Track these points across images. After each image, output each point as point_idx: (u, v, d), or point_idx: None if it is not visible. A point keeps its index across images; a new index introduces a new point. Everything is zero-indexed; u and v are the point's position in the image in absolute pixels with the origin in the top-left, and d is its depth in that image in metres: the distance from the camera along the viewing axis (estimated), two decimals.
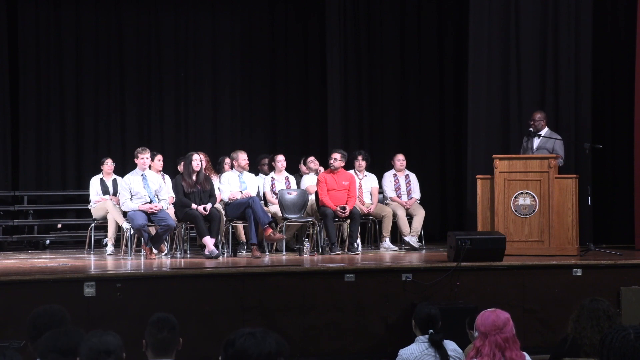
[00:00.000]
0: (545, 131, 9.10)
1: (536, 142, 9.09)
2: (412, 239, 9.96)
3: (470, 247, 7.71)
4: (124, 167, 10.99)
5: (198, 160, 9.22)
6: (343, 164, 9.74)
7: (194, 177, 9.17)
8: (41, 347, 3.34)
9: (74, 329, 3.48)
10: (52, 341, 3.35)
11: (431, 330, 4.90)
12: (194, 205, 9.00)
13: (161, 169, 9.82)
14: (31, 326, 3.83)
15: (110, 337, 3.19)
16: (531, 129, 9.14)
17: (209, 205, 9.01)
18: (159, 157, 9.84)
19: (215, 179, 9.75)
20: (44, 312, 3.91)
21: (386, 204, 10.26)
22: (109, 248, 9.74)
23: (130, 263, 8.66)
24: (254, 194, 9.49)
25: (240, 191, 9.47)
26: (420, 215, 10.12)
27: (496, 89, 10.15)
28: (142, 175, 9.05)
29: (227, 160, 10.46)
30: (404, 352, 4.89)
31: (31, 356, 3.55)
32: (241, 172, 9.63)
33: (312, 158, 10.75)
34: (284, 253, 9.52)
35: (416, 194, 10.41)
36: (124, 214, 9.20)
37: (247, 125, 12.81)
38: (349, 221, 9.67)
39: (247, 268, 7.86)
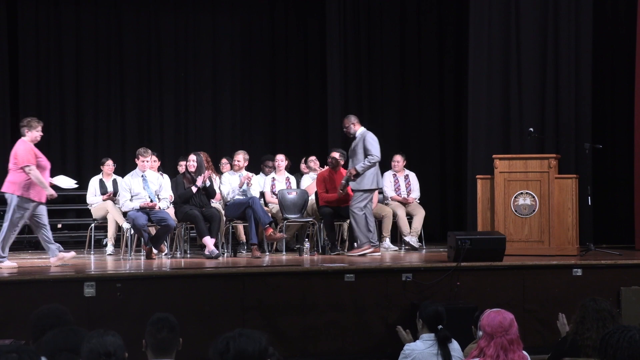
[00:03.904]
0: (360, 131, 8.93)
1: (353, 144, 8.99)
2: (412, 239, 9.96)
3: (470, 247, 7.71)
4: (124, 167, 10.99)
5: (192, 160, 9.23)
6: (342, 162, 9.74)
7: (193, 176, 9.19)
8: (49, 346, 3.33)
9: (80, 328, 3.47)
10: (61, 340, 3.35)
11: (440, 326, 4.93)
12: (194, 188, 9.01)
13: (155, 169, 9.81)
14: (35, 325, 3.82)
15: (110, 338, 3.18)
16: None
17: (206, 182, 9.02)
18: (154, 157, 9.84)
19: (215, 179, 9.74)
20: (49, 311, 3.90)
21: (386, 204, 10.26)
22: (109, 248, 9.75)
23: (130, 263, 8.66)
24: (254, 194, 9.49)
25: (241, 191, 9.47)
26: (420, 215, 10.12)
27: (496, 89, 10.15)
28: (142, 176, 9.06)
29: (224, 160, 10.48)
30: (408, 347, 4.95)
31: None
32: (240, 173, 9.62)
33: (313, 158, 10.76)
34: (284, 253, 9.52)
35: (416, 193, 10.41)
36: (124, 214, 9.20)
37: (247, 126, 12.82)
38: (348, 221, 9.67)
39: (247, 268, 7.86)
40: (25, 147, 7.81)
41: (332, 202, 9.46)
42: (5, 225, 7.84)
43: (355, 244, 9.49)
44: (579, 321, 4.52)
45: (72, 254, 8.12)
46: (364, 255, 8.74)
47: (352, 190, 8.89)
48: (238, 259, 9.06)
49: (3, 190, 7.95)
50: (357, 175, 8.81)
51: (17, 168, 7.77)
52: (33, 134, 7.88)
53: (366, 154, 8.79)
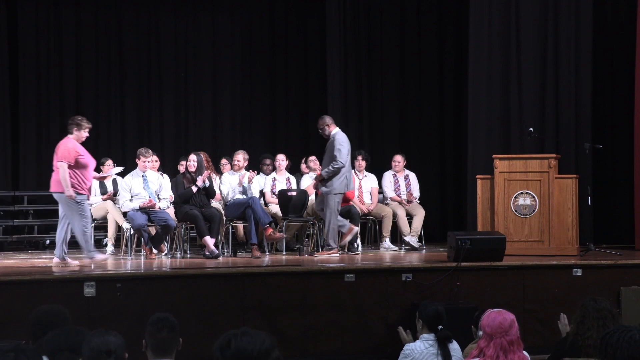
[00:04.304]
0: (334, 132, 8.84)
1: (327, 145, 8.91)
2: (412, 239, 9.95)
3: (470, 247, 7.71)
4: (124, 167, 10.97)
5: (193, 160, 9.23)
6: None
7: (189, 176, 9.20)
8: (49, 346, 3.34)
9: (81, 328, 3.48)
10: (62, 339, 3.35)
11: (441, 326, 4.93)
12: (194, 188, 9.01)
13: (156, 169, 9.83)
14: (35, 325, 3.82)
15: (111, 337, 3.19)
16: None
17: (206, 182, 9.03)
18: (155, 157, 9.86)
19: (215, 179, 9.75)
20: (49, 311, 3.91)
21: (386, 204, 10.26)
22: (109, 248, 9.75)
23: (130, 263, 8.66)
24: (254, 194, 9.50)
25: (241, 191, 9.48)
26: (420, 215, 10.11)
27: (496, 89, 10.16)
28: (142, 176, 9.07)
29: (224, 161, 10.48)
30: (407, 347, 4.95)
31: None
32: (240, 172, 9.63)
33: (313, 158, 10.75)
34: (284, 253, 9.52)
35: (416, 193, 10.40)
36: (124, 214, 9.20)
37: (247, 126, 12.82)
38: (348, 221, 9.66)
39: (247, 268, 7.86)
40: (67, 144, 7.94)
41: None
42: (75, 224, 7.95)
43: (355, 244, 9.52)
44: (579, 321, 4.52)
45: (77, 263, 8.16)
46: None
47: (324, 194, 8.83)
48: (238, 259, 9.06)
49: (52, 190, 8.09)
50: (324, 180, 8.78)
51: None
52: (81, 133, 8.05)
53: (333, 158, 8.76)
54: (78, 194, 7.87)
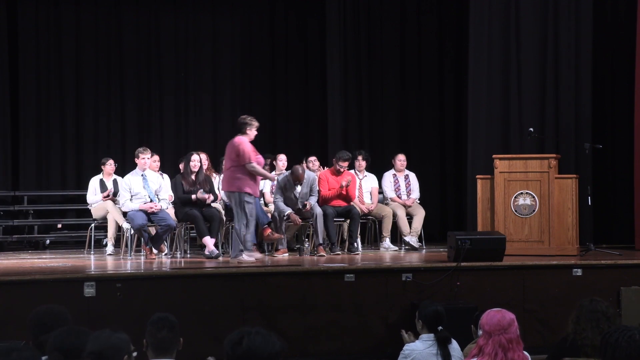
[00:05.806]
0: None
1: (303, 187, 9.27)
2: (412, 239, 9.95)
3: (470, 247, 7.71)
4: (124, 168, 10.99)
5: (197, 161, 9.25)
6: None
7: (192, 177, 9.19)
8: (52, 346, 3.34)
9: (82, 328, 3.47)
10: (65, 340, 3.35)
11: (440, 327, 4.94)
12: (193, 197, 9.01)
13: (157, 169, 9.82)
14: (36, 325, 3.82)
15: (102, 340, 3.15)
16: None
17: (210, 197, 9.05)
18: (156, 157, 9.86)
19: (215, 179, 9.75)
20: (49, 311, 3.91)
21: (386, 204, 10.26)
22: (109, 248, 9.74)
23: (130, 263, 8.66)
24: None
25: None
26: (420, 215, 10.12)
27: (496, 89, 10.15)
28: (142, 175, 9.07)
29: None
30: (407, 347, 4.95)
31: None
32: None
33: (312, 158, 10.75)
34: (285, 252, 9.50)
35: (416, 193, 10.40)
36: (124, 214, 9.20)
37: None
38: (348, 221, 9.68)
39: (247, 268, 7.86)
40: (244, 145, 8.13)
41: (333, 202, 9.49)
42: (240, 222, 8.14)
43: (355, 244, 9.53)
44: (575, 321, 4.53)
45: (253, 260, 8.28)
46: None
47: (312, 209, 9.23)
48: None
49: (224, 189, 8.33)
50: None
51: (238, 164, 8.07)
52: (253, 132, 8.30)
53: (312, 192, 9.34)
54: (248, 194, 8.10)
